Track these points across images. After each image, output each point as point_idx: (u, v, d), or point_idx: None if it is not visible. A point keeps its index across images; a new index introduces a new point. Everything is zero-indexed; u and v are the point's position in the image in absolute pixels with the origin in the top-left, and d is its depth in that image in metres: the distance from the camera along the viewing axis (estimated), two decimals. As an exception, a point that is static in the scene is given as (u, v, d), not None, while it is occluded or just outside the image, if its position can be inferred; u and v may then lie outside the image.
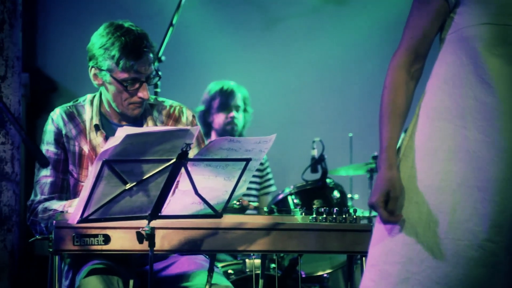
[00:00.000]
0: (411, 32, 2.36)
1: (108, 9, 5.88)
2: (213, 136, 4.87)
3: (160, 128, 2.84)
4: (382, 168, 2.30)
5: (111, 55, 2.83)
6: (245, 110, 4.92)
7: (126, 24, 2.89)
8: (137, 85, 2.87)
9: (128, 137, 2.20)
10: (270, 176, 4.99)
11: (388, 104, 2.33)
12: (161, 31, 3.99)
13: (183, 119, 3.03)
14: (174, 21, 4.00)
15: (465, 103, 2.26)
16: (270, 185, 4.97)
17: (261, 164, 4.93)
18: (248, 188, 4.80)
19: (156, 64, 3.88)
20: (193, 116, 3.06)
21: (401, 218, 2.29)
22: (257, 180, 4.93)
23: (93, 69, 2.91)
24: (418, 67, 2.37)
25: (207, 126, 4.92)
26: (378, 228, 2.34)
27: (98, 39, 2.87)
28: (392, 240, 2.29)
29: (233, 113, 4.83)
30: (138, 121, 2.96)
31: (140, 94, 2.88)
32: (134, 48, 2.83)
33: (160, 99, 3.09)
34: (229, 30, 6.05)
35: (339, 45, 6.04)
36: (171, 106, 3.05)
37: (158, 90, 4.03)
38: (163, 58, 3.96)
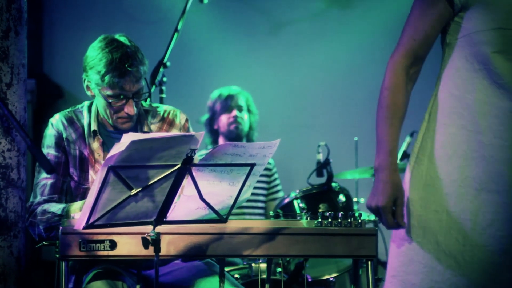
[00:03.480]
0: (412, 34, 2.34)
1: (113, 15, 5.91)
2: (221, 141, 4.89)
3: (165, 134, 2.86)
4: (386, 172, 2.30)
5: (98, 70, 2.86)
6: (249, 111, 4.93)
7: (121, 39, 2.91)
8: (123, 102, 2.89)
9: (134, 143, 2.21)
10: (277, 182, 4.99)
11: (389, 106, 2.33)
12: (166, 36, 4.00)
13: (177, 122, 3.05)
14: (179, 27, 4.01)
15: (478, 108, 2.25)
16: (277, 191, 4.97)
17: (269, 170, 4.95)
18: (256, 194, 4.82)
19: (162, 69, 3.94)
20: (186, 120, 3.07)
21: (405, 225, 2.29)
22: (265, 185, 4.93)
23: (85, 80, 2.95)
24: (417, 69, 2.36)
25: (214, 133, 4.94)
26: (396, 238, 2.33)
27: (91, 52, 2.92)
28: (412, 249, 2.29)
29: (235, 112, 4.86)
30: (132, 127, 2.98)
31: (126, 110, 2.90)
32: (119, 65, 2.84)
33: (154, 105, 3.12)
34: (234, 34, 6.06)
35: (344, 49, 6.04)
36: (165, 111, 3.07)
37: (164, 95, 4.04)
38: (168, 63, 3.97)
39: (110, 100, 2.88)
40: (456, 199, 2.26)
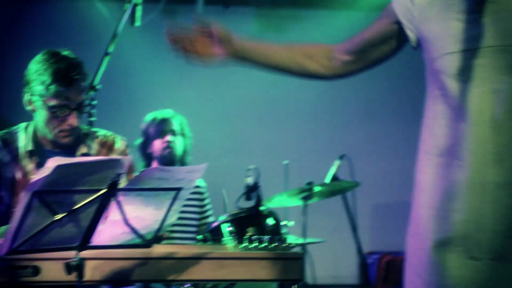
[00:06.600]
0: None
1: (45, 38, 5.86)
2: (155, 165, 4.86)
3: (90, 158, 2.85)
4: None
5: (43, 80, 2.88)
6: (183, 135, 4.92)
7: (64, 52, 2.95)
8: (66, 112, 2.90)
9: (59, 167, 2.20)
10: (209, 206, 4.98)
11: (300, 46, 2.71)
12: (99, 59, 3.98)
13: (116, 147, 3.06)
14: (109, 50, 3.99)
15: (439, 132, 2.34)
16: (208, 216, 4.96)
17: (201, 193, 4.94)
18: (188, 218, 4.80)
19: (92, 92, 3.91)
20: (126, 146, 3.09)
21: None
22: (197, 209, 4.92)
23: (27, 94, 2.94)
24: (346, 59, 2.55)
25: (148, 157, 4.90)
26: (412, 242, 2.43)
27: (34, 65, 2.93)
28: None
29: (169, 137, 4.83)
30: (72, 148, 2.98)
31: (69, 121, 2.90)
32: (66, 75, 2.87)
33: (93, 129, 3.12)
34: (166, 58, 6.04)
35: (276, 75, 6.09)
36: (104, 136, 3.08)
37: (93, 119, 4.00)
38: (98, 86, 3.94)
39: (54, 110, 2.87)
40: (434, 224, 2.33)
